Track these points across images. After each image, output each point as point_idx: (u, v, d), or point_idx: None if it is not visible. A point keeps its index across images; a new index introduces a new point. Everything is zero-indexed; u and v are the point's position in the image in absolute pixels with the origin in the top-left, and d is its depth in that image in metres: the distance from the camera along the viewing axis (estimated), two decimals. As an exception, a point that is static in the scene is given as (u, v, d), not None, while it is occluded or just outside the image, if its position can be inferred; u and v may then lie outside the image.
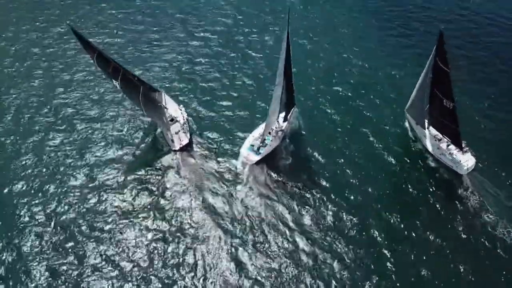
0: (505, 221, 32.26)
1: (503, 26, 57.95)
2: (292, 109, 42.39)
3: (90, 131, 44.70)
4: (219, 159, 40.40)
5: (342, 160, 39.24)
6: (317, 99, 47.17)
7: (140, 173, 39.49)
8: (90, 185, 38.65)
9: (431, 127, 38.03)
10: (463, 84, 45.85)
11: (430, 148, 37.72)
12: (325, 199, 35.70)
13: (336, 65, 52.40)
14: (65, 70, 54.33)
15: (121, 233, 34.18)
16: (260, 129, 40.68)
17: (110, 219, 35.31)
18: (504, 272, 29.52)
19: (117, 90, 43.96)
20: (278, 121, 41.05)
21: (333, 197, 35.72)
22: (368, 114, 44.73)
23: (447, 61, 31.90)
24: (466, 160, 35.16)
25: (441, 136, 36.97)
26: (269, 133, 40.08)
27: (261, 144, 39.25)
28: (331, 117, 44.59)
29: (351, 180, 37.32)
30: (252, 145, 39.82)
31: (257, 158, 38.89)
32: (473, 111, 42.83)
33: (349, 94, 47.37)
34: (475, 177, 35.39)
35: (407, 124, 41.88)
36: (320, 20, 62.21)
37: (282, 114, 41.23)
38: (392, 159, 39.18)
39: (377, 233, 32.88)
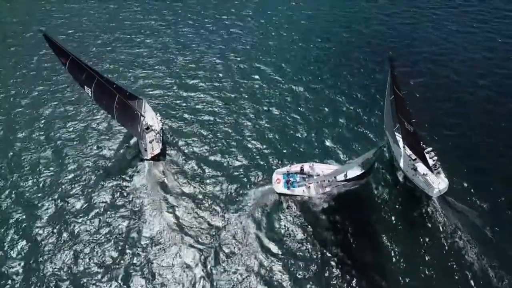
0: (473, 246, 32.66)
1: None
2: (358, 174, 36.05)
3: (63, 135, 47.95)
4: (188, 171, 41.99)
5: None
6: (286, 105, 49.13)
7: (109, 181, 41.53)
8: (57, 191, 41.00)
9: (406, 147, 38.87)
10: (430, 104, 47.86)
11: (403, 168, 38.22)
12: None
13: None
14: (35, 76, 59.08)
15: (82, 240, 36.04)
16: (308, 166, 39.23)
17: (75, 226, 37.30)
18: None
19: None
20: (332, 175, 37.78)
21: (299, 213, 37.10)
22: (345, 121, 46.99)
23: (399, 86, 33.45)
24: (439, 183, 35.51)
25: (415, 156, 37.71)
26: (302, 171, 38.79)
27: (296, 180, 38.42)
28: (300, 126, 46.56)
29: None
30: (288, 175, 38.98)
31: (283, 190, 37.95)
32: (444, 132, 43.91)
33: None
34: (446, 200, 35.65)
35: (386, 142, 42.59)
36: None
37: (354, 171, 36.56)
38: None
39: (334, 251, 33.89)
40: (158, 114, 46.57)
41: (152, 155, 41.97)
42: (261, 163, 42.10)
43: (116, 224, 37.35)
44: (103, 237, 36.30)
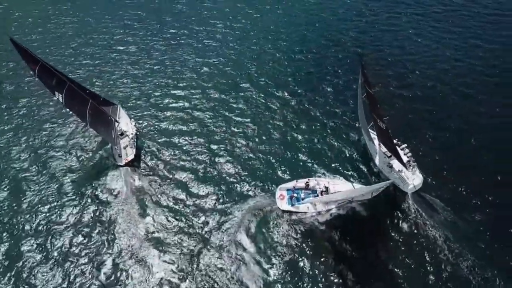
0: (448, 240, 33.94)
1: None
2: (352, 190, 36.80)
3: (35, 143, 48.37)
4: (164, 177, 42.51)
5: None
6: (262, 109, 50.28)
7: (81, 189, 41.88)
8: (26, 202, 41.19)
9: (381, 144, 39.98)
10: (402, 102, 49.94)
11: (379, 165, 39.50)
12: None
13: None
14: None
15: (52, 253, 36.25)
16: (314, 181, 38.84)
17: (45, 238, 37.48)
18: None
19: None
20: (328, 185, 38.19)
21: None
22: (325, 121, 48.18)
23: (370, 84, 35.08)
24: (413, 179, 36.62)
25: (390, 153, 38.81)
26: (307, 187, 38.40)
27: (300, 196, 38.08)
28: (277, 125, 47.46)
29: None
30: (292, 191, 38.45)
31: (287, 207, 37.30)
32: (415, 125, 45.91)
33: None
34: (421, 196, 36.95)
35: (362, 139, 43.97)
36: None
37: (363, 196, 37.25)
38: (339, 163, 42.34)
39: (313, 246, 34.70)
40: (133, 120, 47.45)
41: (126, 161, 42.47)
42: (241, 171, 42.44)
43: (89, 234, 37.40)
44: (75, 248, 36.35)
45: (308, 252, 34.52)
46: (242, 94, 53.83)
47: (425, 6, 73.01)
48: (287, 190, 38.24)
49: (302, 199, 37.42)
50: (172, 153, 45.22)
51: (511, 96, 48.99)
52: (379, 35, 64.88)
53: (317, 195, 37.26)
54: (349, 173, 40.83)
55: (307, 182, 38.38)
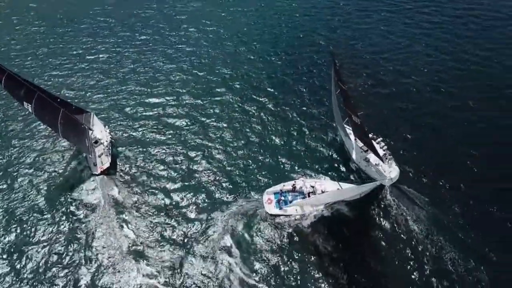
0: (426, 230, 35.28)
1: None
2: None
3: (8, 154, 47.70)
4: (142, 184, 42.46)
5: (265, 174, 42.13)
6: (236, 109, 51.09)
7: (56, 201, 41.50)
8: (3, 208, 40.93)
9: (357, 139, 41.34)
10: (376, 97, 51.70)
11: (356, 160, 40.77)
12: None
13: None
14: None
15: (29, 269, 35.72)
16: (301, 182, 38.95)
17: (20, 253, 36.90)
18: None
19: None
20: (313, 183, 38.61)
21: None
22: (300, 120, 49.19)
23: (342, 80, 36.38)
24: (390, 171, 38.00)
25: (366, 148, 40.18)
26: (294, 189, 38.65)
27: (288, 199, 38.19)
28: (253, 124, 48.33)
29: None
30: (279, 194, 38.67)
31: (275, 210, 37.37)
32: (390, 121, 47.46)
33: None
34: (398, 188, 38.27)
35: (338, 134, 45.27)
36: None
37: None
38: (317, 162, 43.10)
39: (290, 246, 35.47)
40: (107, 127, 47.33)
41: (102, 169, 42.35)
42: (220, 177, 42.66)
43: (66, 252, 36.78)
44: (50, 268, 35.70)
45: (293, 254, 34.97)
46: (218, 99, 54.38)
47: (396, 3, 75.71)
48: (274, 193, 38.56)
49: (290, 202, 37.73)
50: (149, 159, 45.34)
51: (483, 90, 51.28)
52: (352, 34, 66.86)
53: (305, 197, 37.60)
54: (330, 172, 41.69)
55: (293, 184, 38.73)
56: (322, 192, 37.04)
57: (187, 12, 79.49)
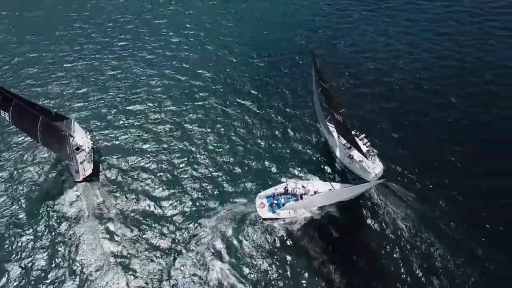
0: (414, 227, 36.42)
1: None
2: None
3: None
4: (126, 191, 42.55)
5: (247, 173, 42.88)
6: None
7: (37, 212, 41.23)
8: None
9: (340, 136, 42.61)
10: (357, 94, 53.34)
11: (340, 157, 41.97)
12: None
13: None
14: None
15: (14, 275, 35.60)
16: (293, 184, 39.50)
17: (4, 264, 36.65)
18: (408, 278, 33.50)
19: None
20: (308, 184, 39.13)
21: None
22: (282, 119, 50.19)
23: (323, 79, 37.66)
24: (374, 167, 39.43)
25: (349, 145, 41.46)
26: (286, 191, 39.15)
27: (281, 202, 38.70)
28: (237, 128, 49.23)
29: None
30: (272, 197, 39.17)
31: (269, 214, 37.79)
32: (373, 118, 48.78)
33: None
34: (384, 184, 39.25)
35: (321, 133, 46.50)
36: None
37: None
38: (302, 164, 43.87)
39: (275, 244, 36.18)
40: (88, 133, 47.45)
41: (84, 176, 42.49)
42: (205, 183, 42.87)
43: (49, 262, 36.55)
44: (33, 280, 35.29)
45: (283, 258, 35.38)
46: (201, 103, 54.83)
47: (376, 2, 77.98)
48: (267, 197, 39.03)
49: (283, 205, 38.20)
50: (133, 165, 45.65)
51: (464, 86, 53.20)
52: (334, 33, 68.52)
53: (297, 199, 38.26)
54: (318, 173, 42.40)
55: (285, 187, 39.28)
56: (315, 193, 37.62)
57: (166, 16, 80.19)
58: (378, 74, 57.12)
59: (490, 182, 39.45)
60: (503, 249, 34.15)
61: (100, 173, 44.32)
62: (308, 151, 45.29)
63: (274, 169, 43.50)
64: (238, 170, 44.00)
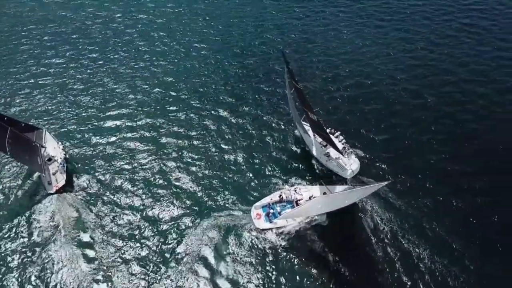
0: (405, 233, 38.09)
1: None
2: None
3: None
4: (102, 201, 43.07)
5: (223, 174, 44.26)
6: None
7: (9, 227, 41.10)
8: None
9: (316, 135, 44.72)
10: (329, 93, 56.07)
11: (316, 155, 44.06)
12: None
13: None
14: None
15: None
16: (287, 191, 40.54)
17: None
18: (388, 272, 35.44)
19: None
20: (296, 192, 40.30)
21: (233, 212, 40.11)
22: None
23: (295, 79, 39.95)
24: (350, 164, 41.65)
25: (325, 143, 43.51)
26: (281, 199, 40.02)
27: (277, 210, 39.20)
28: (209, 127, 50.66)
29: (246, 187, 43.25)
30: (268, 207, 39.65)
31: (266, 225, 38.20)
32: (348, 117, 51.40)
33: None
34: (359, 179, 41.64)
35: (297, 133, 48.44)
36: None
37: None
38: (278, 156, 45.93)
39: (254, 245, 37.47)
40: (60, 143, 48.22)
41: (57, 188, 43.22)
42: (182, 195, 43.43)
43: (24, 280, 36.40)
44: None
45: (270, 268, 36.23)
46: (175, 115, 55.37)
47: (350, 3, 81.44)
48: (263, 207, 39.66)
49: (279, 213, 38.89)
50: (108, 175, 46.41)
51: (440, 85, 56.42)
52: (308, 36, 71.45)
53: (293, 206, 39.18)
54: (300, 177, 43.88)
55: (280, 195, 40.28)
56: (310, 198, 38.57)
57: (136, 26, 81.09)
58: (353, 75, 60.07)
59: (469, 180, 42.03)
60: (482, 246, 36.39)
61: (74, 184, 45.09)
62: (287, 156, 46.88)
63: (255, 179, 44.35)
64: (216, 182, 44.55)
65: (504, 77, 56.91)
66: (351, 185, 39.61)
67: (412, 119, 50.44)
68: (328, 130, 42.16)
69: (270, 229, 38.14)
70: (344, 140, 43.56)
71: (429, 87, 56.05)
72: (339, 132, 44.40)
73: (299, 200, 39.20)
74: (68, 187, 44.09)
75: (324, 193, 38.57)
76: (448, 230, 37.91)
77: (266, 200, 40.03)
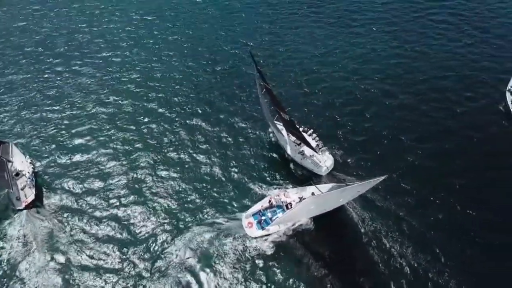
0: (390, 231, 39.17)
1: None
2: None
3: None
4: (73, 216, 43.42)
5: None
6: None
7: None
8: None
9: (290, 134, 46.42)
10: (299, 92, 58.23)
11: (291, 154, 45.69)
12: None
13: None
14: None
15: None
16: (277, 196, 41.03)
17: None
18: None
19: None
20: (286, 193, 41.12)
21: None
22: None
23: (265, 79, 41.62)
24: (325, 161, 43.46)
25: (299, 141, 45.19)
26: (271, 205, 40.54)
27: (268, 216, 39.71)
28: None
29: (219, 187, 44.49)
30: (259, 214, 40.13)
31: (258, 233, 38.66)
32: (320, 115, 53.23)
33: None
34: (334, 176, 43.31)
35: (271, 133, 50.01)
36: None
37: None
38: (256, 163, 47.02)
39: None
40: (28, 157, 48.52)
41: (27, 203, 43.51)
42: (159, 203, 44.11)
43: None
44: None
45: (256, 277, 36.88)
46: (147, 127, 55.22)
47: (321, 3, 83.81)
48: (253, 215, 40.14)
49: (271, 219, 39.42)
50: (80, 188, 46.78)
51: (414, 84, 58.39)
52: (281, 38, 73.22)
53: (283, 210, 39.67)
54: (280, 181, 45.01)
55: (269, 200, 40.93)
56: (300, 199, 39.16)
57: (103, 36, 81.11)
58: (325, 75, 61.75)
59: (447, 177, 43.46)
60: (464, 242, 37.72)
61: (44, 198, 45.48)
62: (266, 161, 47.78)
63: (235, 189, 44.59)
64: (195, 194, 44.69)
65: (474, 71, 59.46)
66: (345, 183, 39.16)
67: (387, 118, 52.17)
68: (301, 129, 44.09)
69: (263, 236, 38.59)
70: (317, 138, 45.47)
71: (403, 85, 58.03)
72: (312, 130, 46.29)
73: (289, 203, 39.88)
74: (37, 202, 44.43)
75: (313, 193, 39.17)
76: (429, 227, 39.12)
77: (256, 208, 40.55)
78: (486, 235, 37.82)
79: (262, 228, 38.85)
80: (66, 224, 42.54)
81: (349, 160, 45.84)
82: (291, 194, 40.83)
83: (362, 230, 39.27)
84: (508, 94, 51.52)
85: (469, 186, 42.52)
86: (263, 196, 42.64)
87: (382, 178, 33.07)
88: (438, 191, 42.16)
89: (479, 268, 35.52)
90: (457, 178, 43.29)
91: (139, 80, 66.05)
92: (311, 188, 40.37)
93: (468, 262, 36.17)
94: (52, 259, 39.28)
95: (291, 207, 38.25)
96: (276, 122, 47.57)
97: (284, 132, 47.06)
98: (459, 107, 52.79)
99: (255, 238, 38.61)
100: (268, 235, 38.70)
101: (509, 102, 50.51)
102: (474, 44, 65.63)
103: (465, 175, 43.52)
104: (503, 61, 60.56)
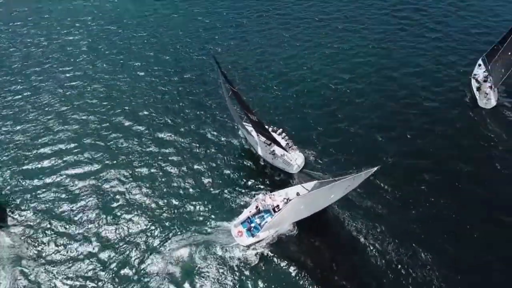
0: (372, 229, 40.50)
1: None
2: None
3: None
4: (41, 233, 43.08)
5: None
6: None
7: None
8: None
9: (259, 135, 48.02)
10: (265, 93, 60.42)
11: (262, 154, 47.21)
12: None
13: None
14: None
15: None
16: (262, 201, 41.42)
17: None
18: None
19: None
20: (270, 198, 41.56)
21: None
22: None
23: (231, 82, 43.12)
24: (296, 159, 45.26)
25: (269, 141, 46.81)
26: (259, 210, 40.90)
27: (257, 222, 40.16)
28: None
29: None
30: (247, 222, 40.52)
31: (249, 240, 38.94)
32: (289, 116, 55.26)
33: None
34: (305, 173, 44.77)
35: (241, 134, 51.54)
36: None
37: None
38: (231, 170, 47.98)
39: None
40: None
41: (-9, 223, 43.13)
42: (132, 223, 43.78)
43: None
44: None
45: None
46: (114, 144, 54.56)
47: (289, 5, 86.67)
48: (242, 223, 40.52)
49: (260, 225, 40.01)
50: (47, 203, 46.41)
51: (384, 82, 60.80)
52: (247, 42, 75.23)
53: (271, 214, 40.45)
54: (258, 186, 46.14)
55: (257, 206, 41.39)
56: (287, 200, 40.02)
57: (62, 49, 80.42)
58: (294, 77, 64.01)
59: (422, 174, 45.34)
60: (443, 235, 39.46)
61: (8, 217, 45.00)
62: (240, 168, 48.59)
63: (212, 200, 44.86)
64: (170, 210, 44.63)
65: (439, 65, 62.83)
66: (333, 179, 37.94)
67: (359, 118, 54.13)
68: (270, 129, 45.80)
69: (254, 243, 38.90)
70: (287, 137, 47.47)
71: (373, 84, 60.58)
72: (281, 129, 48.30)
73: (277, 205, 40.60)
74: (1, 223, 43.99)
75: (298, 193, 40.12)
76: (409, 222, 40.59)
77: (244, 215, 41.01)
78: (465, 228, 39.79)
79: (253, 235, 39.30)
80: (33, 244, 42.01)
81: (322, 160, 47.47)
82: (277, 196, 41.52)
83: (344, 231, 40.53)
84: (473, 81, 55.31)
85: (444, 180, 44.59)
86: (244, 204, 43.39)
87: (374, 169, 31.30)
88: (414, 187, 44.07)
89: (460, 261, 37.21)
90: (432, 173, 45.39)
91: (103, 93, 65.53)
92: (296, 188, 41.49)
93: (450, 255, 37.71)
94: (21, 281, 38.80)
95: (279, 210, 39.22)
96: (245, 123, 49.09)
97: (254, 133, 48.69)
98: (429, 102, 55.68)
99: (247, 246, 38.91)
100: (260, 241, 39.13)
101: (474, 89, 54.09)
102: (437, 38, 69.46)
103: (440, 169, 45.66)
104: (466, 53, 64.50)
